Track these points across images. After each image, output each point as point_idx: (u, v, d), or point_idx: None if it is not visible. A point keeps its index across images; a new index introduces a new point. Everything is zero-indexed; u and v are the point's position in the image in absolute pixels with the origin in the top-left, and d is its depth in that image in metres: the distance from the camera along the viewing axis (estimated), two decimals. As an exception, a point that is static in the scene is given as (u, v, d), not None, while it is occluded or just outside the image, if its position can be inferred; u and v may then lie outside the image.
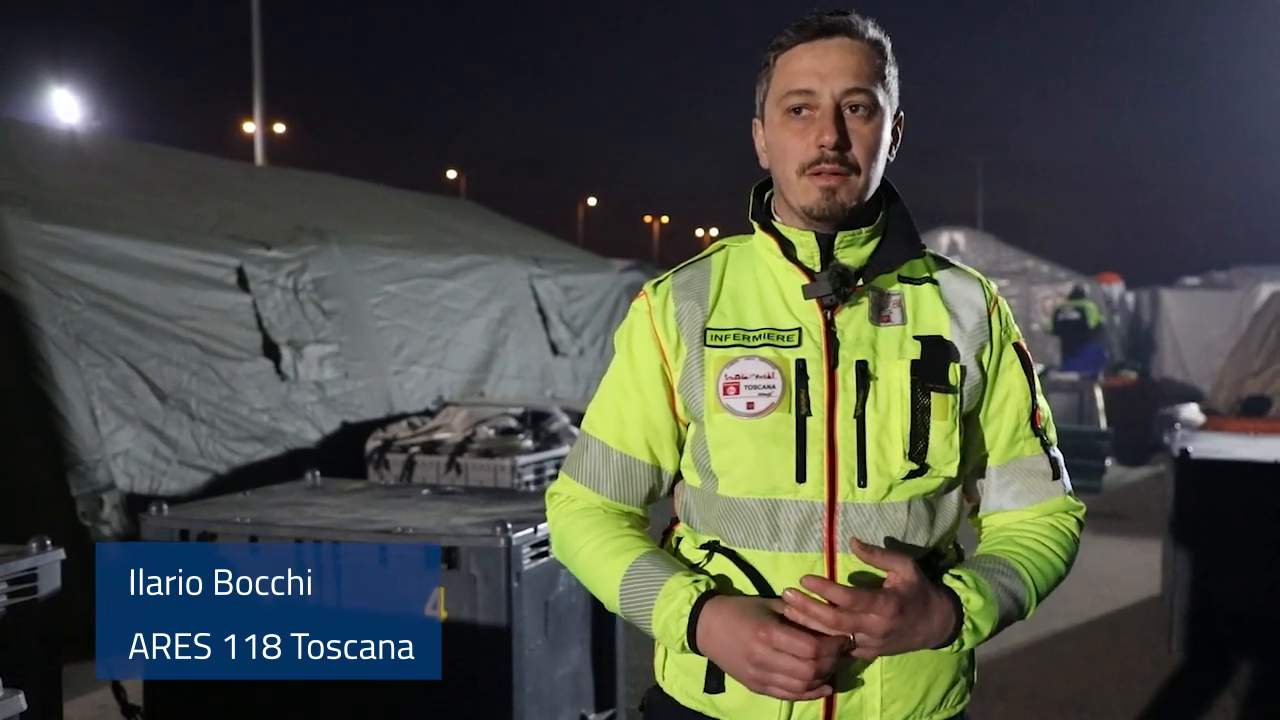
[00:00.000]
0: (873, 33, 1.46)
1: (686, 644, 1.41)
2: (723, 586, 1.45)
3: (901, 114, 1.52)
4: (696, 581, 1.43)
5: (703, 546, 1.51)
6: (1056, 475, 1.55)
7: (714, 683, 1.46)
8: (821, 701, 1.43)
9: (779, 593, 1.41)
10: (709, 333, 1.49)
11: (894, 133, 1.50)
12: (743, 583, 1.45)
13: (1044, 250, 18.38)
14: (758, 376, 1.44)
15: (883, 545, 1.42)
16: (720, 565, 1.47)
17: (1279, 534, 4.61)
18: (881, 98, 1.45)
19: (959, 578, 1.42)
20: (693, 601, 1.40)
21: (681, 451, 1.57)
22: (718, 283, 1.53)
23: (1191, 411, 10.10)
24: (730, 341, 1.47)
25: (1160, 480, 6.82)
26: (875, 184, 1.48)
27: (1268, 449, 5.00)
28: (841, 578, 1.41)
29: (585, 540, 1.54)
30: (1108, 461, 9.57)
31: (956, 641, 1.40)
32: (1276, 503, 4.65)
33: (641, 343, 1.55)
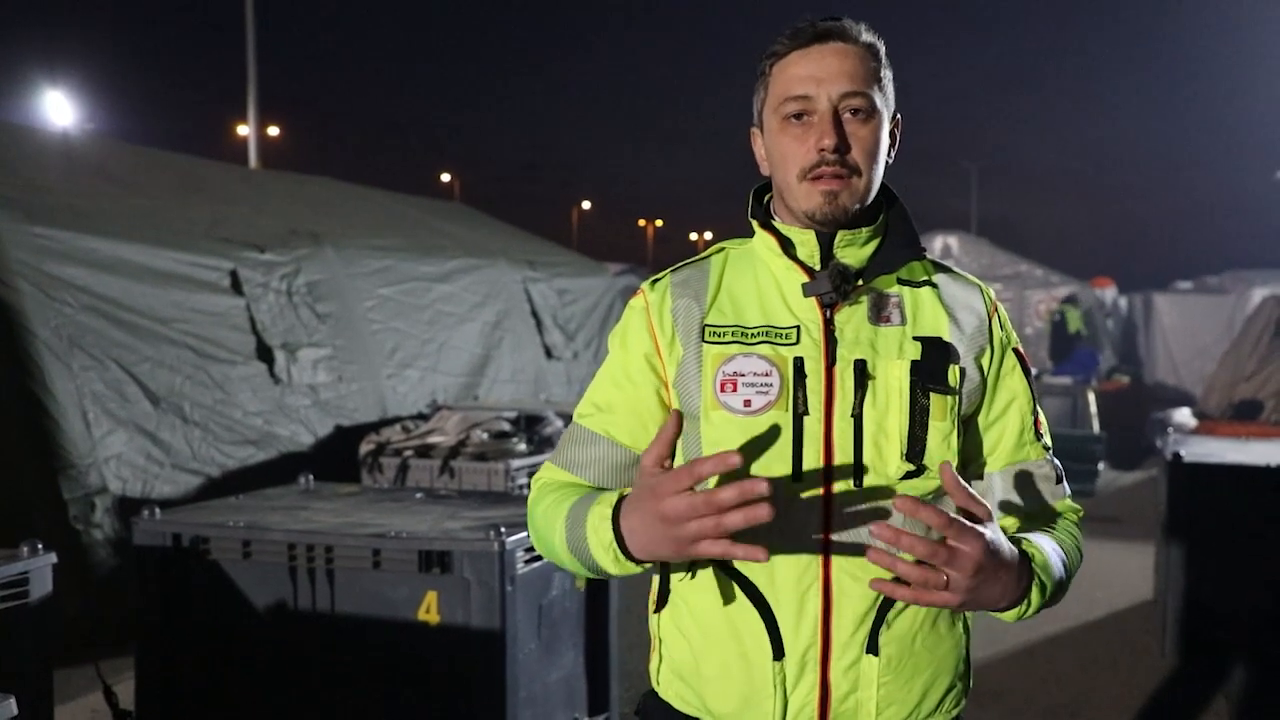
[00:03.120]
0: (866, 36, 1.46)
1: (618, 551, 1.35)
2: (718, 587, 1.44)
3: (898, 117, 1.53)
4: (625, 490, 1.39)
5: None
6: (1059, 480, 1.56)
7: (661, 602, 1.52)
8: (815, 705, 1.42)
9: (770, 595, 1.41)
10: (707, 329, 1.49)
11: (891, 135, 1.51)
12: (731, 585, 1.44)
13: (1038, 255, 18.41)
14: (755, 374, 1.44)
15: (878, 546, 1.39)
16: (708, 568, 1.46)
17: (1271, 537, 4.62)
18: (878, 100, 1.45)
19: (1018, 539, 1.39)
20: (614, 504, 1.36)
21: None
22: (716, 282, 1.53)
23: (1184, 415, 10.14)
24: (728, 338, 1.47)
25: (1153, 484, 6.84)
26: (876, 186, 1.48)
27: (1260, 453, 5.02)
28: (836, 578, 1.41)
29: (548, 500, 1.52)
30: (1101, 465, 9.59)
31: (1025, 602, 1.35)
32: (1269, 506, 4.66)
33: (636, 336, 1.55)
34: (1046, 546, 1.42)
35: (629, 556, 1.36)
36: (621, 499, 1.37)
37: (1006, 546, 1.32)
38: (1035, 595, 1.36)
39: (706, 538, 1.24)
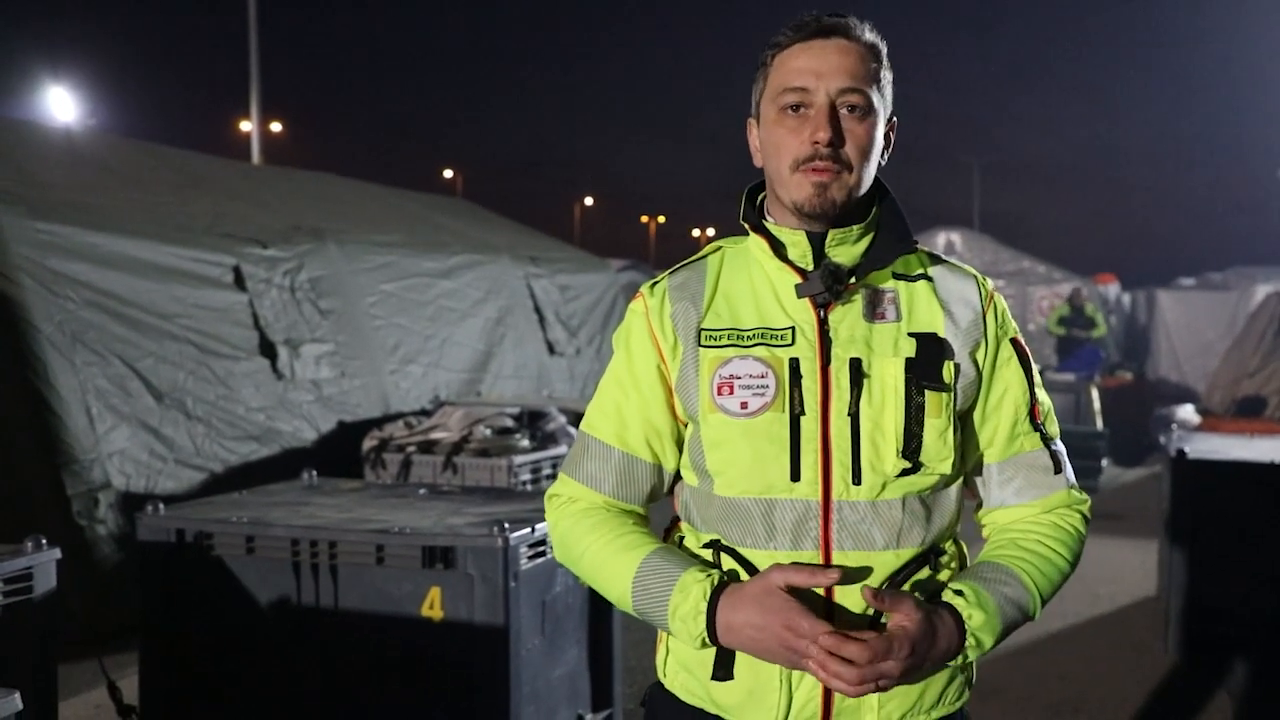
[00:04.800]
0: (869, 36, 1.47)
1: (707, 640, 1.42)
2: (733, 579, 1.45)
3: (895, 119, 1.54)
4: (709, 575, 1.43)
5: (706, 545, 1.51)
6: (1058, 469, 1.55)
7: (721, 671, 1.47)
8: (819, 699, 1.44)
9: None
10: (703, 333, 1.50)
11: (886, 137, 1.51)
12: (739, 579, 1.46)
13: (1040, 251, 18.41)
14: (751, 376, 1.45)
15: (878, 543, 1.43)
16: (725, 563, 1.48)
17: (1275, 534, 4.62)
18: (875, 100, 1.46)
19: (960, 593, 1.43)
20: (708, 597, 1.41)
21: (681, 451, 1.57)
22: (713, 284, 1.54)
23: (1187, 412, 10.13)
24: (724, 341, 1.48)
25: (1156, 481, 6.83)
26: (867, 184, 1.49)
27: (1263, 449, 5.01)
28: None
29: (591, 539, 1.54)
30: (1104, 462, 9.58)
31: (960, 656, 1.42)
32: (1272, 503, 4.65)
33: (639, 343, 1.55)
34: (992, 598, 1.43)
35: (716, 644, 1.42)
36: (716, 592, 1.41)
37: (935, 626, 1.38)
38: (971, 653, 1.42)
39: (819, 666, 1.34)
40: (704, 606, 1.40)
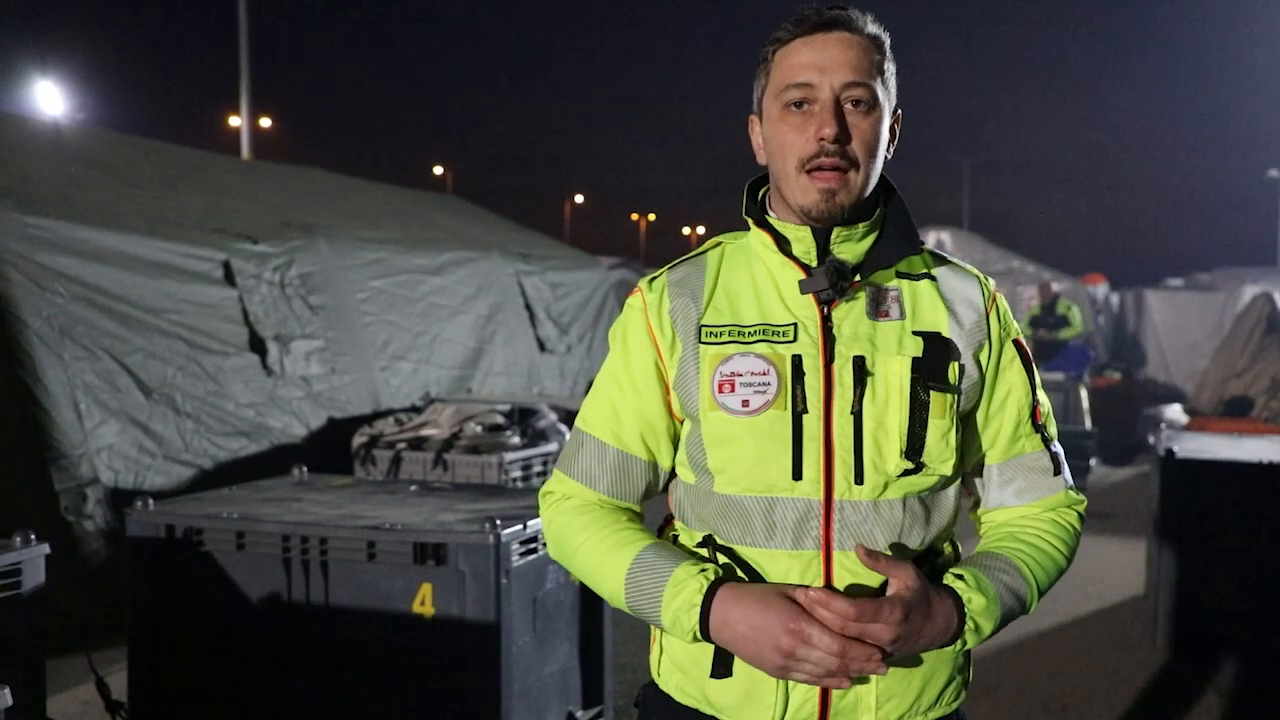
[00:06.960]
0: (871, 28, 1.45)
1: (699, 634, 1.40)
2: (729, 575, 1.44)
3: (899, 111, 1.52)
4: (704, 571, 1.41)
5: (700, 544, 1.50)
6: (1057, 471, 1.55)
7: (720, 669, 1.45)
8: (817, 699, 1.43)
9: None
10: (704, 329, 1.48)
11: (891, 130, 1.49)
12: (737, 578, 1.44)
13: (1030, 250, 18.44)
14: (753, 373, 1.43)
15: (880, 543, 1.42)
16: (720, 561, 1.47)
17: (1262, 533, 4.64)
18: (880, 93, 1.44)
19: (960, 577, 1.42)
20: (703, 591, 1.39)
21: (677, 448, 1.56)
22: (713, 279, 1.52)
23: (1175, 412, 10.18)
24: (725, 338, 1.46)
25: (1145, 480, 6.86)
26: (874, 180, 1.47)
27: (1251, 449, 5.03)
28: (838, 575, 1.41)
29: (585, 536, 1.52)
30: (1092, 461, 9.61)
31: (959, 641, 1.40)
32: (1259, 502, 4.68)
33: (636, 339, 1.54)
34: (991, 584, 1.42)
35: (707, 639, 1.40)
36: (713, 586, 1.39)
37: (931, 601, 1.36)
38: (970, 638, 1.40)
39: (804, 676, 1.33)
40: (698, 600, 1.39)
